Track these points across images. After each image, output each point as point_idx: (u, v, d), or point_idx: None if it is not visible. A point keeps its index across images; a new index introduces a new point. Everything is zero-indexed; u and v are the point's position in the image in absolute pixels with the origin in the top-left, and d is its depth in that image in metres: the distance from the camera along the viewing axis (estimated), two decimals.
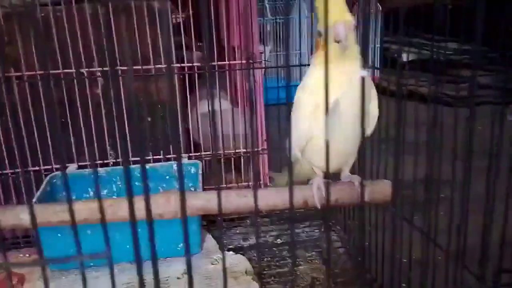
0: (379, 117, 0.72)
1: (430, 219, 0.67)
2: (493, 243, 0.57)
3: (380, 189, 0.74)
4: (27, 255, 1.06)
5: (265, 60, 1.68)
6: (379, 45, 2.56)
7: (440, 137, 0.68)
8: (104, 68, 1.10)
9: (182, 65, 1.19)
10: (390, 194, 0.75)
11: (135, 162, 1.01)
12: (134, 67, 1.13)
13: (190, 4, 1.20)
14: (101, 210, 0.39)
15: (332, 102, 0.61)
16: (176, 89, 1.22)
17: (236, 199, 0.75)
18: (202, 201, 0.74)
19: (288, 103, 0.34)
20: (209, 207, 0.75)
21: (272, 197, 0.74)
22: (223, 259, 0.94)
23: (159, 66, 1.14)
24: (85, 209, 0.72)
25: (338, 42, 0.62)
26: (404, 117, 0.74)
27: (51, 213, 0.72)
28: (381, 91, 0.75)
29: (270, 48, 2.87)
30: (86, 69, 1.12)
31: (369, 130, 0.71)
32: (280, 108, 1.08)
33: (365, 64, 0.57)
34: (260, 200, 0.75)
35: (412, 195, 0.75)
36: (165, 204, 0.75)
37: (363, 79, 0.35)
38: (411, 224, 0.73)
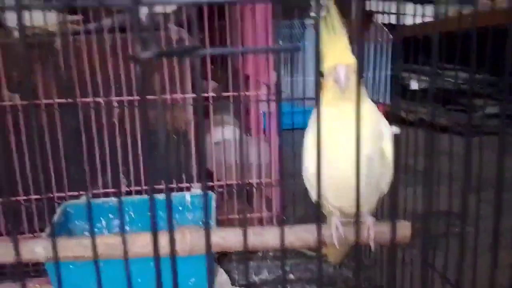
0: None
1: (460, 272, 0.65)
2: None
3: (399, 230, 0.72)
4: (37, 285, 1.04)
5: (281, 90, 1.69)
6: (389, 73, 2.58)
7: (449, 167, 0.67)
8: (121, 98, 1.11)
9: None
10: (408, 235, 0.73)
11: (146, 191, 1.00)
12: (150, 97, 1.14)
13: (206, 29, 1.21)
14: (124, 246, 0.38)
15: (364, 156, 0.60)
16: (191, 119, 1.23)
17: (252, 238, 0.74)
18: (217, 238, 0.73)
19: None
20: (224, 244, 0.74)
21: (288, 236, 0.72)
22: None
23: (175, 95, 1.15)
24: (100, 244, 0.71)
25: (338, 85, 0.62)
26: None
27: (67, 248, 0.72)
28: (393, 119, 0.75)
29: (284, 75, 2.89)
30: (104, 98, 1.13)
31: (390, 168, 0.68)
32: (295, 133, 1.08)
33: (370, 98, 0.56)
34: (275, 238, 0.73)
35: (430, 229, 0.73)
36: (180, 241, 0.73)
37: (395, 136, 0.34)
38: (433, 268, 0.71)
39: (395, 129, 0.35)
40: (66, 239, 0.71)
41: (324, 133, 0.65)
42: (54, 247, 0.45)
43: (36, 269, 1.07)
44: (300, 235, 0.72)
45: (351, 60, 0.62)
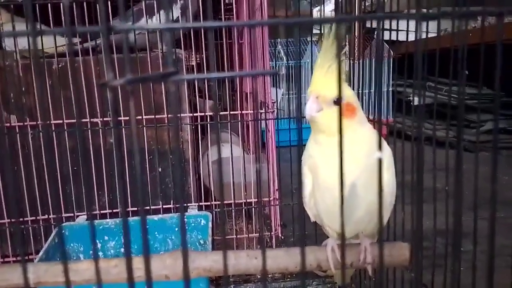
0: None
1: None
2: None
3: (397, 252, 0.71)
4: None
5: (278, 108, 1.69)
6: (391, 89, 2.58)
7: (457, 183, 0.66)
8: (119, 118, 1.11)
9: (195, 114, 1.19)
10: (407, 258, 0.71)
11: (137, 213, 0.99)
12: (147, 116, 1.14)
13: (203, 46, 1.22)
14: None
15: (348, 185, 0.59)
16: (188, 138, 1.22)
17: (246, 261, 0.72)
18: (210, 262, 0.71)
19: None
20: (218, 268, 0.72)
21: (284, 260, 0.71)
22: None
23: (172, 115, 1.15)
24: (90, 269, 0.70)
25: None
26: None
27: (58, 273, 0.70)
28: (396, 134, 0.74)
29: (283, 91, 2.91)
30: (100, 119, 1.13)
31: (387, 198, 0.66)
32: (292, 150, 1.07)
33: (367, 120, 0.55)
34: (270, 261, 0.72)
35: (432, 251, 0.72)
36: (172, 265, 0.72)
37: (379, 160, 0.33)
38: None
39: (378, 154, 0.34)
40: (55, 264, 0.70)
41: (317, 161, 0.64)
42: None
43: None
44: (295, 259, 0.71)
45: (327, 90, 0.60)
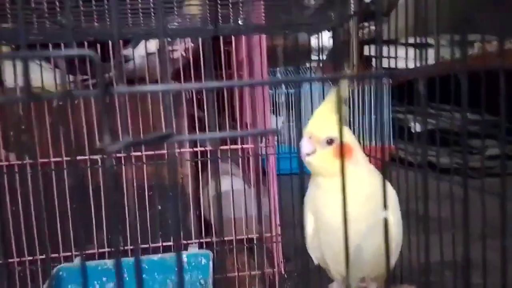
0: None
1: None
2: None
3: None
4: None
5: (278, 135, 1.68)
6: (390, 116, 2.59)
7: (465, 212, 0.64)
8: (118, 155, 1.10)
9: (195, 149, 1.19)
10: None
11: (143, 250, 0.97)
12: (148, 152, 1.13)
13: (203, 75, 1.23)
14: None
15: (356, 233, 0.58)
16: (189, 173, 1.21)
17: None
18: None
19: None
20: None
21: None
22: None
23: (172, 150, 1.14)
24: None
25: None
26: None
27: None
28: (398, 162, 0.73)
29: (283, 119, 2.91)
30: (100, 156, 1.13)
31: (394, 240, 0.64)
32: (293, 179, 1.05)
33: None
34: None
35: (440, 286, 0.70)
36: None
37: (385, 220, 0.32)
38: None
39: (385, 214, 0.33)
40: None
41: (318, 204, 0.63)
42: None
43: None
44: None
45: (319, 131, 0.60)
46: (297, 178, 0.37)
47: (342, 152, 0.61)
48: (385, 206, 0.32)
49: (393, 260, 0.67)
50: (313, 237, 0.68)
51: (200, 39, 1.22)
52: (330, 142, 0.60)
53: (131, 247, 1.14)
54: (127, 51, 1.26)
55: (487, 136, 2.43)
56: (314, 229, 0.67)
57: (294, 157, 1.07)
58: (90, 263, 1.05)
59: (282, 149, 2.38)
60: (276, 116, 2.76)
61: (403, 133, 0.93)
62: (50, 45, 1.06)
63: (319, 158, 0.60)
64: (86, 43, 1.06)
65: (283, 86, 2.93)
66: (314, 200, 0.65)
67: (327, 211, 0.62)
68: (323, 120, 0.61)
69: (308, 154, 0.61)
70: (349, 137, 0.63)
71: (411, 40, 1.55)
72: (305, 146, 0.61)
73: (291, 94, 2.93)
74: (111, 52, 1.06)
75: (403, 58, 0.98)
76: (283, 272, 1.20)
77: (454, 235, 0.70)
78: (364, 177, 0.62)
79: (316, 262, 0.73)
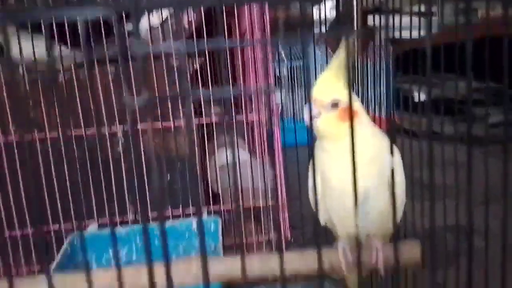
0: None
1: None
2: None
3: (408, 251, 0.71)
4: None
5: (282, 107, 1.69)
6: (393, 86, 2.59)
7: (468, 179, 0.66)
8: (125, 128, 1.12)
9: (201, 122, 1.20)
10: (419, 256, 0.71)
11: (153, 219, 1.00)
12: (155, 124, 1.15)
13: (206, 49, 1.23)
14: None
15: (362, 193, 0.59)
16: (195, 143, 1.23)
17: (259, 264, 0.73)
18: (224, 267, 0.72)
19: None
20: (232, 274, 0.73)
21: (297, 263, 0.71)
22: None
23: (178, 122, 1.16)
24: (105, 278, 0.71)
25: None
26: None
27: (70, 284, 0.71)
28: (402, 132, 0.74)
29: (285, 92, 2.91)
30: (108, 129, 1.15)
31: (398, 200, 0.66)
32: (299, 151, 1.06)
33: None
34: (285, 265, 0.72)
35: (443, 248, 0.72)
36: (186, 271, 0.73)
37: (392, 171, 0.34)
38: None
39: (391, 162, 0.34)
40: (70, 274, 0.70)
41: (325, 167, 0.65)
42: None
43: None
44: (308, 262, 0.71)
45: (324, 95, 0.60)
46: (302, 150, 0.39)
47: (351, 114, 0.63)
48: (391, 152, 0.34)
49: (398, 218, 0.69)
50: (320, 199, 0.70)
51: (202, 10, 1.22)
52: (335, 105, 0.61)
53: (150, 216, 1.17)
54: (130, 26, 1.26)
55: (492, 104, 2.43)
56: (321, 192, 0.69)
57: (299, 130, 1.09)
58: (104, 231, 1.08)
59: (286, 123, 2.39)
60: (280, 90, 2.76)
61: (407, 103, 0.94)
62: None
63: (324, 122, 0.61)
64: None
65: (285, 60, 2.92)
66: (321, 164, 0.66)
67: (333, 173, 0.64)
68: (327, 84, 0.62)
69: (312, 118, 0.62)
70: (354, 100, 0.64)
71: (415, 9, 1.54)
72: (309, 111, 0.61)
73: (295, 67, 2.92)
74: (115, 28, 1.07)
75: (407, 28, 0.97)
76: (289, 238, 1.23)
77: (458, 200, 0.71)
78: (369, 138, 0.63)
79: (323, 223, 0.75)
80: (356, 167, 0.33)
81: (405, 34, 0.94)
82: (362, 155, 0.61)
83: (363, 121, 0.64)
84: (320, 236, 0.34)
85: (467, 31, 0.46)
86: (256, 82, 1.33)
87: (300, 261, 0.71)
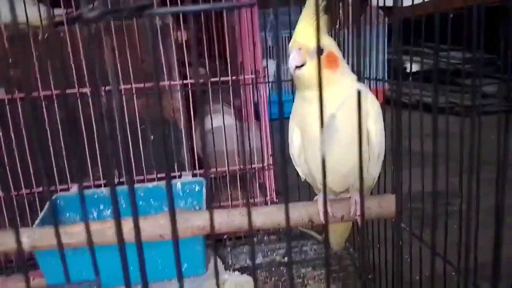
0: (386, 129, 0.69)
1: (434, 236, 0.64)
2: (507, 259, 0.54)
3: (385, 204, 0.72)
4: (32, 278, 1.04)
5: (268, 81, 1.67)
6: (386, 57, 2.56)
7: (446, 147, 0.66)
8: (107, 87, 1.10)
9: (185, 81, 1.18)
10: (394, 209, 0.72)
11: (138, 181, 1.00)
12: (137, 85, 1.13)
13: (192, 20, 1.20)
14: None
15: (327, 116, 0.59)
16: (180, 106, 1.21)
17: (239, 218, 0.73)
18: (203, 221, 0.72)
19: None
20: (209, 226, 0.73)
21: (276, 215, 0.72)
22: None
23: (162, 83, 1.14)
24: (84, 232, 0.71)
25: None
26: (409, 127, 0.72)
27: (52, 236, 0.71)
28: (392, 102, 0.73)
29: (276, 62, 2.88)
30: (89, 89, 1.12)
31: (375, 150, 0.66)
32: (285, 122, 1.06)
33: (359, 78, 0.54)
34: (263, 218, 0.73)
35: (421, 208, 0.73)
36: (166, 224, 0.73)
37: (359, 92, 0.33)
38: (421, 240, 0.71)
39: (359, 86, 0.33)
40: (49, 228, 0.70)
41: (306, 117, 0.64)
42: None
43: (33, 263, 1.07)
44: (289, 214, 0.72)
45: (310, 41, 0.58)
46: (287, 121, 0.37)
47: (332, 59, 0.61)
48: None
49: (376, 170, 0.69)
50: (299, 152, 0.70)
51: None
52: (320, 51, 0.60)
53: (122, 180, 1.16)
54: None
55: (485, 75, 2.43)
56: (300, 144, 0.69)
57: (285, 101, 1.07)
58: (87, 192, 1.08)
59: (273, 96, 2.37)
60: (267, 60, 2.72)
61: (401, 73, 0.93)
62: None
63: (311, 70, 0.59)
64: None
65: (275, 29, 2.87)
66: (301, 114, 0.65)
67: (315, 122, 0.63)
68: (308, 30, 0.60)
69: (298, 67, 0.60)
70: (334, 47, 0.63)
71: None
72: (295, 58, 0.59)
73: (284, 37, 2.87)
74: None
75: None
76: (275, 200, 1.24)
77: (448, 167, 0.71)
78: (350, 87, 0.62)
79: (303, 177, 0.75)
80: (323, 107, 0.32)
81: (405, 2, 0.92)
82: (344, 104, 0.61)
83: (344, 69, 0.63)
84: (287, 190, 0.33)
85: None
86: (242, 52, 1.31)
87: (280, 214, 0.72)
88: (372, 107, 0.64)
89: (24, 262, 0.79)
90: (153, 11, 0.30)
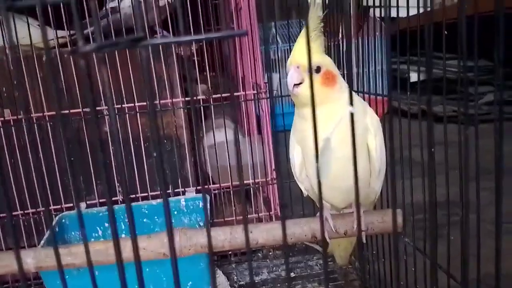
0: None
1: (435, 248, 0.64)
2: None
3: (388, 218, 0.71)
4: None
5: (273, 91, 1.69)
6: (386, 67, 2.56)
7: (445, 156, 0.66)
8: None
9: (187, 98, 1.19)
10: (400, 223, 0.72)
11: (143, 199, 1.00)
12: (140, 103, 1.14)
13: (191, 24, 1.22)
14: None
15: (323, 140, 0.59)
16: (183, 123, 1.22)
17: (242, 235, 0.73)
18: (206, 238, 0.73)
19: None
20: (214, 244, 0.73)
21: (278, 232, 0.72)
22: None
23: (164, 101, 1.15)
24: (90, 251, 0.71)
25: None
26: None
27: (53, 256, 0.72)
28: (394, 112, 0.74)
29: (280, 75, 2.89)
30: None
31: (376, 165, 0.66)
32: (287, 134, 1.06)
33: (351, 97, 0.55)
34: (265, 234, 0.73)
35: (424, 219, 0.73)
36: (161, 243, 0.73)
37: (351, 115, 0.34)
38: (424, 254, 0.70)
39: (351, 109, 0.34)
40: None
41: (305, 134, 0.64)
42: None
43: (38, 282, 1.08)
44: (289, 230, 0.72)
45: (306, 58, 0.60)
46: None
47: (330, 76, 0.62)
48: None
49: (378, 184, 0.69)
50: (301, 168, 0.70)
51: None
52: (317, 70, 0.61)
53: (131, 196, 1.17)
54: (114, 3, 1.25)
55: (483, 83, 2.42)
56: (302, 160, 0.69)
57: (287, 114, 1.08)
58: (92, 210, 1.08)
59: (278, 108, 2.38)
60: (271, 73, 2.73)
61: (402, 83, 0.93)
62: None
63: (308, 88, 0.60)
64: None
65: (280, 42, 2.90)
66: (301, 131, 0.66)
67: (313, 141, 0.63)
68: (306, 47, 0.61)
69: (296, 85, 0.61)
70: (331, 65, 0.64)
71: None
72: (293, 76, 0.60)
73: (288, 50, 2.89)
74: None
75: (404, 7, 0.96)
76: (279, 214, 1.24)
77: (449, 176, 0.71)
78: (348, 103, 0.63)
79: (305, 193, 0.75)
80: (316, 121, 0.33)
81: (402, 13, 0.92)
82: (342, 121, 0.61)
83: (341, 86, 0.64)
84: (286, 207, 0.33)
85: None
86: (242, 66, 1.32)
87: (281, 231, 0.72)
88: (372, 122, 0.65)
89: (27, 285, 0.79)
90: (148, 42, 0.31)
